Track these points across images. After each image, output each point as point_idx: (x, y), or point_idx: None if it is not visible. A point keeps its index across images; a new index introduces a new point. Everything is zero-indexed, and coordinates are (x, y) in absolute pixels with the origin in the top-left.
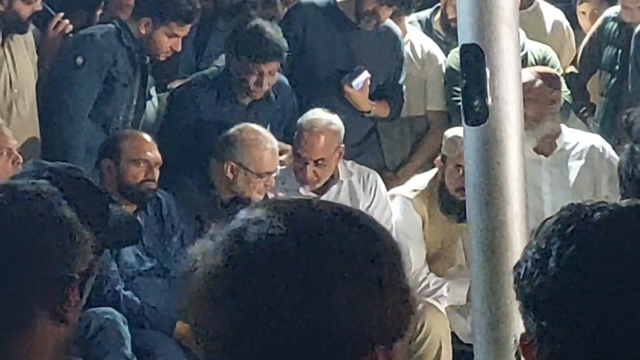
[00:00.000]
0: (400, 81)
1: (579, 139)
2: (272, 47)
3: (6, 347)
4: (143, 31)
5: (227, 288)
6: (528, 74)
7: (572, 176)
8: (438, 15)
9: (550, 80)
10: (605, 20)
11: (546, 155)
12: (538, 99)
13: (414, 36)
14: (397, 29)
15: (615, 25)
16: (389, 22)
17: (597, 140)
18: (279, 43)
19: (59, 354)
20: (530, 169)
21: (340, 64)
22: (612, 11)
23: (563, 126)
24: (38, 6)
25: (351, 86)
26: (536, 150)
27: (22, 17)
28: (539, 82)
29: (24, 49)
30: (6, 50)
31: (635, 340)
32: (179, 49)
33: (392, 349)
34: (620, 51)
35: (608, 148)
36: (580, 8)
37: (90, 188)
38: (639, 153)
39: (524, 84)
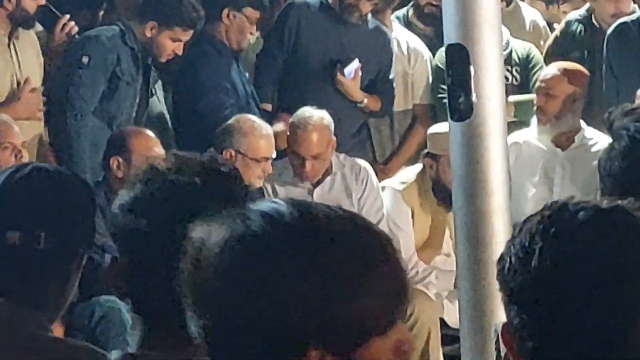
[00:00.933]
0: (391, 77)
1: (599, 138)
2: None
3: None
4: (148, 34)
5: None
6: (553, 69)
7: (586, 173)
8: (412, 8)
9: (572, 77)
10: (569, 23)
11: (563, 149)
12: (559, 95)
13: (399, 33)
14: (386, 27)
15: (581, 27)
16: (377, 21)
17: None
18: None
19: None
20: (546, 160)
21: (332, 56)
22: (577, 14)
23: (583, 123)
24: (42, 1)
25: (343, 74)
26: (554, 142)
27: (28, 12)
28: (561, 77)
29: (29, 48)
30: (12, 49)
31: (613, 339)
32: (180, 52)
33: (386, 337)
34: (587, 52)
35: None
36: (562, 8)
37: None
38: (617, 150)
39: (548, 80)
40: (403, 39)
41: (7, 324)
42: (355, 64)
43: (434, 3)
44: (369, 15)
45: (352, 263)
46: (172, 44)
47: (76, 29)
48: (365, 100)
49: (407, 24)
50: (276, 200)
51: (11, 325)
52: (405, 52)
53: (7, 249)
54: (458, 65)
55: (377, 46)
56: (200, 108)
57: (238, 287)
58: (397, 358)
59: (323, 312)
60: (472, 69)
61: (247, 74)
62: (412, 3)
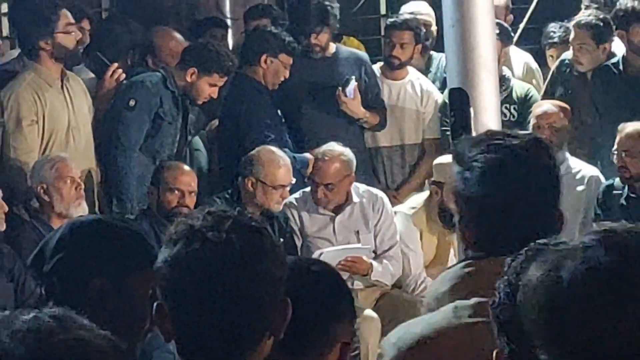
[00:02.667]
0: (381, 95)
1: (581, 167)
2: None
3: None
4: (189, 79)
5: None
6: (550, 106)
7: (571, 196)
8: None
9: (565, 112)
10: (561, 63)
11: None
12: (557, 126)
13: (413, 76)
14: (360, 52)
15: (568, 69)
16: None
17: (596, 171)
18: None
19: None
20: None
21: (312, 93)
22: (568, 55)
23: (567, 154)
24: (78, 34)
25: (346, 95)
26: None
27: (68, 48)
28: (559, 112)
29: (79, 92)
30: (65, 93)
31: None
32: (215, 96)
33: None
34: (570, 91)
35: (602, 178)
36: (549, 52)
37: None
38: (471, 178)
39: (549, 114)
40: (417, 81)
41: None
42: (353, 83)
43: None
44: (333, 46)
45: None
46: (209, 88)
47: (123, 75)
48: (367, 115)
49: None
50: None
51: None
52: (419, 93)
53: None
54: (459, 107)
55: (358, 70)
56: (245, 143)
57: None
58: None
59: None
60: (471, 109)
61: (279, 112)
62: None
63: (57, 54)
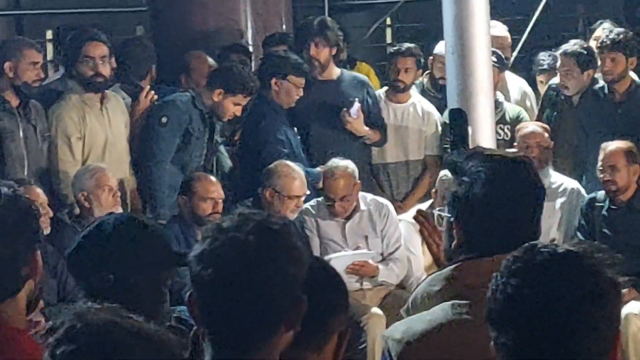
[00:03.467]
0: (382, 115)
1: (563, 180)
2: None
3: None
4: (215, 99)
5: None
6: (536, 127)
7: (554, 208)
8: (427, 78)
9: (548, 132)
10: (549, 88)
11: None
12: (543, 145)
13: (416, 98)
14: (362, 77)
15: (555, 93)
16: (352, 72)
17: (576, 184)
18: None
19: None
20: None
21: (320, 113)
22: (555, 80)
23: (550, 169)
24: (113, 63)
25: (350, 115)
26: None
27: (105, 76)
28: (544, 133)
29: (118, 112)
30: (104, 112)
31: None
32: (239, 114)
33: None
34: (557, 113)
35: (583, 191)
36: (539, 78)
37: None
38: (478, 184)
39: (535, 134)
40: (419, 103)
41: None
42: (357, 105)
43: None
44: (339, 70)
45: None
46: (233, 107)
47: (156, 97)
48: (370, 133)
49: (423, 90)
50: None
51: None
52: (420, 114)
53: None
54: (458, 126)
55: (360, 92)
56: (262, 157)
57: None
58: None
59: None
60: (469, 128)
61: (295, 129)
62: (427, 73)
63: (97, 80)
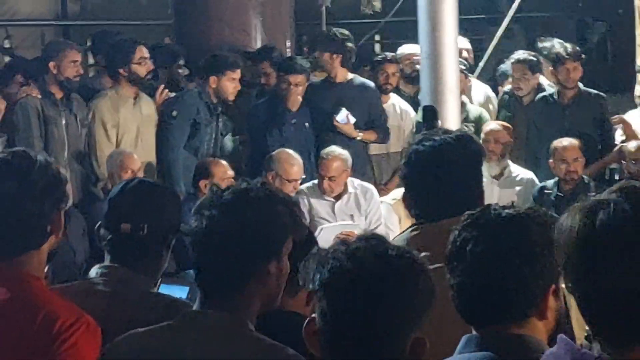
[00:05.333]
0: (383, 117)
1: (520, 171)
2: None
3: None
4: (214, 85)
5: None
6: (496, 125)
7: (512, 196)
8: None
9: (508, 130)
10: (504, 93)
11: (497, 180)
12: (502, 141)
13: (395, 99)
14: (369, 83)
15: (507, 97)
16: (362, 79)
17: (531, 174)
18: None
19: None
20: (487, 189)
21: (329, 110)
22: (508, 87)
23: (509, 161)
24: (149, 66)
25: (338, 121)
26: (493, 176)
27: (139, 75)
28: (503, 130)
29: (149, 109)
30: (137, 109)
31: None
32: (239, 87)
33: None
34: (509, 113)
35: (536, 180)
36: (501, 89)
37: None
38: (409, 164)
39: (495, 131)
40: (397, 103)
41: (125, 282)
42: (343, 111)
43: (415, 68)
44: (351, 75)
45: None
46: (231, 84)
47: (170, 94)
48: (360, 135)
49: (397, 89)
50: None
51: (128, 283)
52: (399, 112)
53: (122, 235)
54: (430, 120)
55: (364, 96)
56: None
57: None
58: None
59: None
60: (439, 122)
61: (307, 124)
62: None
63: (132, 78)
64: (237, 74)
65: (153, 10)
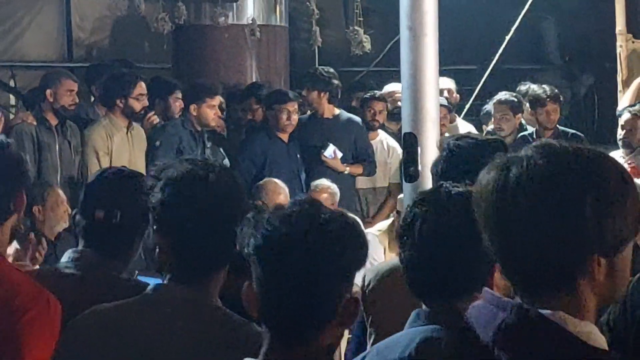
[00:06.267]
0: (369, 150)
1: None
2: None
3: None
4: (195, 113)
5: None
6: None
7: None
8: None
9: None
10: (486, 132)
11: None
12: None
13: (382, 136)
14: (355, 118)
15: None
16: (349, 115)
17: None
18: None
19: None
20: None
21: (317, 144)
22: (491, 126)
23: None
24: (145, 103)
25: (325, 156)
26: None
27: (135, 109)
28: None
29: (140, 139)
30: (129, 139)
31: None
32: (219, 114)
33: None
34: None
35: None
36: (485, 128)
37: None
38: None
39: None
40: (385, 140)
41: (96, 266)
42: (330, 147)
43: (398, 105)
44: (338, 111)
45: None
46: (211, 111)
47: (157, 119)
48: (348, 169)
49: (382, 126)
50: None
51: (98, 267)
52: (386, 149)
53: (95, 221)
54: (410, 146)
55: (350, 131)
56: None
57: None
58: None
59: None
60: (419, 149)
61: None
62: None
63: (127, 111)
64: (216, 100)
65: (155, 55)
